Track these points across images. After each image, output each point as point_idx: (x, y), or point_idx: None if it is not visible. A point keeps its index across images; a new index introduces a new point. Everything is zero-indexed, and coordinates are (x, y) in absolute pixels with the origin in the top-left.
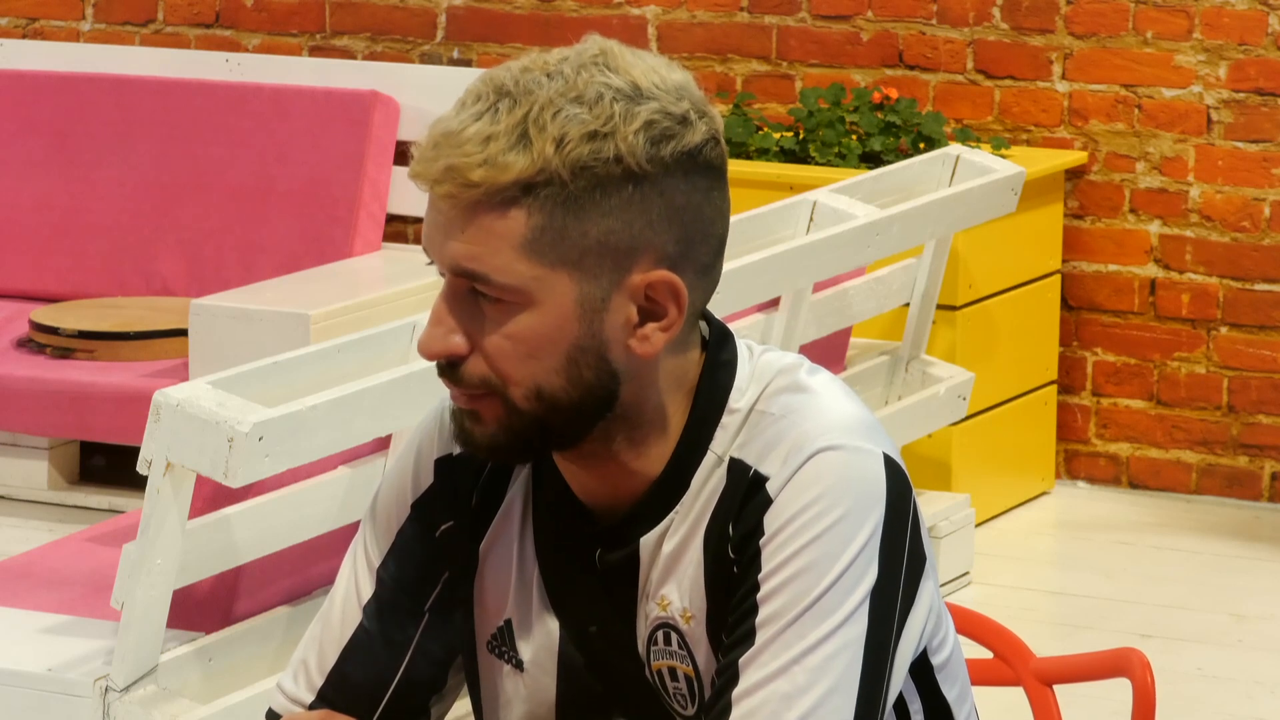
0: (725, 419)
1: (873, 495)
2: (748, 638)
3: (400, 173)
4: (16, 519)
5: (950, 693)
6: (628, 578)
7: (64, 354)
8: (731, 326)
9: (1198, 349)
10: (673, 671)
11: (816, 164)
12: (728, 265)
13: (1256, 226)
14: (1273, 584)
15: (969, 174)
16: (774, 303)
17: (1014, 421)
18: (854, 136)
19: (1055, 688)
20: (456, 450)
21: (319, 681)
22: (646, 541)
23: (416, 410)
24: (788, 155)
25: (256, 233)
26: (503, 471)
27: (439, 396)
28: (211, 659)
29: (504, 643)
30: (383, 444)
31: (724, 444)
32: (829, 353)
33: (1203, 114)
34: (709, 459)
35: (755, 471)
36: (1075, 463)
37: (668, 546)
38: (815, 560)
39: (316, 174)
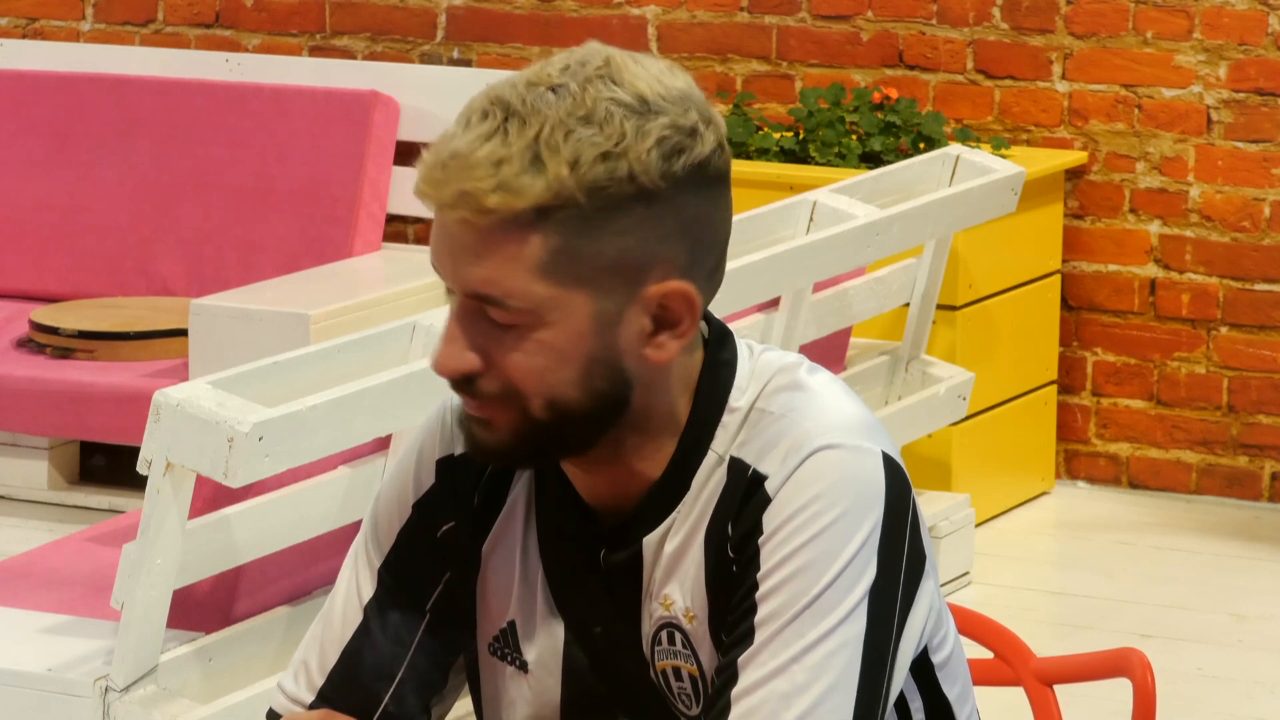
0: (726, 418)
1: (871, 494)
2: (747, 637)
3: (400, 173)
4: (16, 519)
5: (951, 692)
6: (631, 578)
7: (64, 354)
8: (731, 326)
9: (1198, 349)
10: (677, 671)
11: (816, 164)
12: (728, 265)
13: (1256, 226)
14: (1273, 584)
15: (969, 174)
16: (774, 303)
17: (1014, 421)
18: (854, 136)
19: (1055, 688)
20: (458, 451)
21: (319, 681)
22: (649, 541)
23: (416, 410)
24: (788, 155)
25: (256, 233)
26: (505, 472)
27: (441, 397)
28: (211, 659)
29: (507, 644)
30: (383, 444)
31: (725, 443)
32: (829, 353)
33: (1203, 114)
34: (710, 458)
35: (754, 470)
36: (1075, 463)
37: (670, 546)
38: (814, 559)
39: (316, 174)
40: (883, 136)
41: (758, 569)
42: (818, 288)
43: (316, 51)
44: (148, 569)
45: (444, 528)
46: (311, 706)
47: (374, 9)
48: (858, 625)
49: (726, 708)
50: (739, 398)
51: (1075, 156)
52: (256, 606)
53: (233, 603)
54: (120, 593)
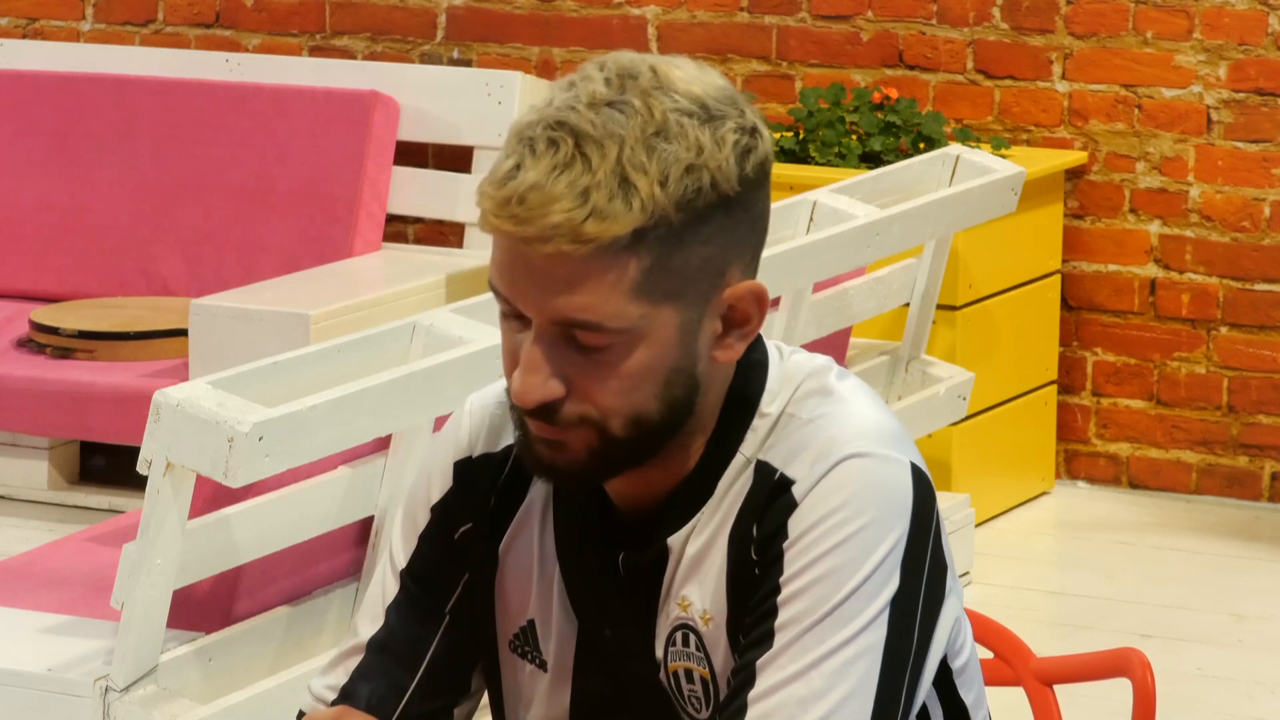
0: (756, 422)
1: (898, 505)
2: (766, 640)
3: (400, 173)
4: (16, 519)
5: (968, 697)
6: (652, 578)
7: (64, 354)
8: None
9: (1198, 349)
10: (689, 674)
11: (816, 164)
12: None
13: (1256, 226)
14: (1273, 584)
15: (969, 174)
16: (774, 303)
17: (1014, 421)
18: (854, 136)
19: (1055, 688)
20: (475, 453)
21: (343, 680)
22: (674, 541)
23: (416, 410)
24: (788, 155)
25: (256, 233)
26: (522, 472)
27: (452, 400)
28: (211, 659)
29: (527, 642)
30: (383, 444)
31: (753, 446)
32: (829, 353)
33: (1203, 114)
34: (738, 460)
35: (781, 474)
36: (1075, 463)
37: (692, 548)
38: (838, 566)
39: (316, 174)
40: (883, 136)
41: (780, 573)
42: (818, 288)
43: (316, 51)
44: (148, 569)
45: (462, 529)
46: (333, 704)
47: (374, 9)
48: (878, 634)
49: (742, 709)
50: (770, 402)
51: (1075, 156)
52: (256, 606)
53: (233, 603)
54: (120, 593)
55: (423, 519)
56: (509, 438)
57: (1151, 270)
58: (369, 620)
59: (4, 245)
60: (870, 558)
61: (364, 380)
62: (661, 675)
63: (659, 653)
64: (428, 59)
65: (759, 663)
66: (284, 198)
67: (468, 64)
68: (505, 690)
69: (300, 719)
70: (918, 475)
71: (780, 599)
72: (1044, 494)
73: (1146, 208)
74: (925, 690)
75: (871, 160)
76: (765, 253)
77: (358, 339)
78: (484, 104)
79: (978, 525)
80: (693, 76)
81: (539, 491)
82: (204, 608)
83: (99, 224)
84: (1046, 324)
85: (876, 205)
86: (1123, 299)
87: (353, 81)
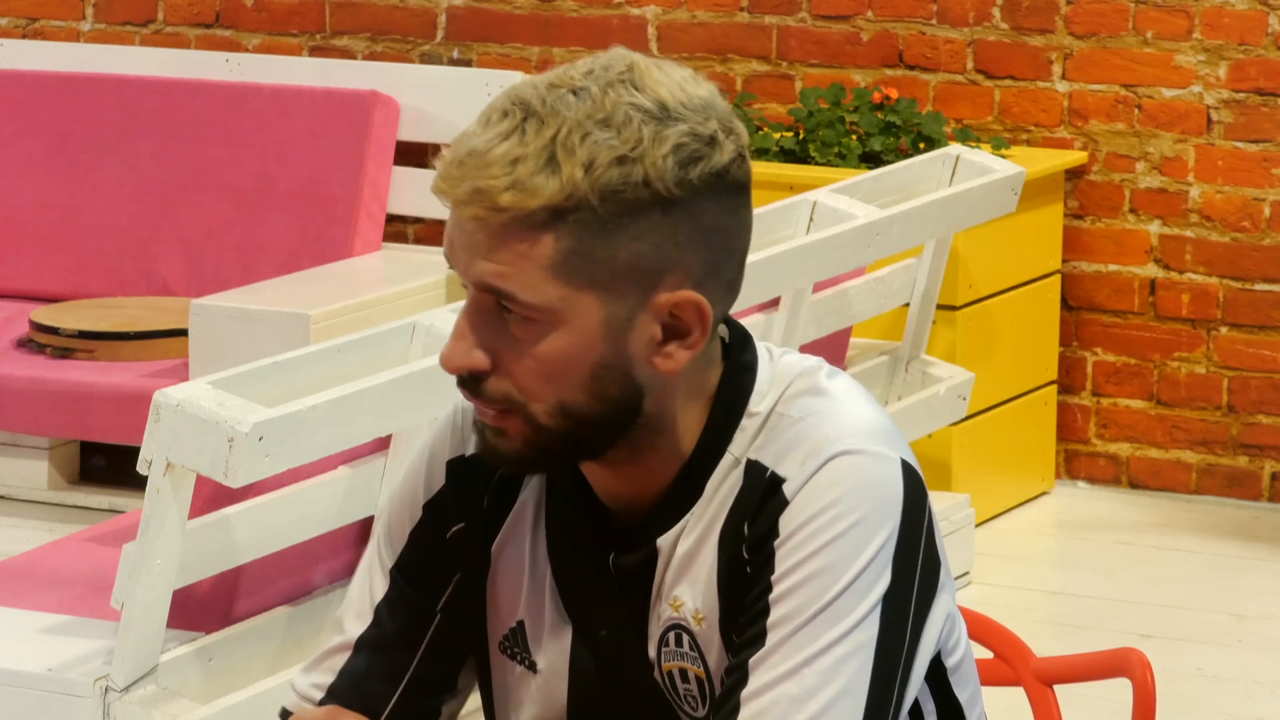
0: (745, 421)
1: (889, 501)
2: (759, 638)
3: (400, 173)
4: (16, 519)
5: (963, 695)
6: (643, 579)
7: (64, 354)
8: None
9: (1198, 349)
10: (684, 673)
11: (816, 164)
12: None
13: (1256, 226)
14: (1273, 584)
15: (969, 174)
16: (774, 303)
17: (1014, 421)
18: (854, 136)
19: (1055, 688)
20: (469, 452)
21: (330, 679)
22: (663, 542)
23: (416, 410)
24: (788, 155)
25: (256, 233)
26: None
27: (450, 399)
28: (211, 659)
29: (517, 644)
30: (383, 444)
31: (742, 446)
32: (829, 353)
33: (1203, 114)
34: (726, 460)
35: (772, 473)
36: (1075, 463)
37: (682, 547)
38: (830, 564)
39: (316, 174)
40: (883, 136)
41: (772, 571)
42: (818, 288)
43: (316, 51)
44: (148, 569)
45: (454, 529)
46: (320, 703)
47: (374, 9)
48: (870, 631)
49: (736, 708)
50: (759, 402)
51: (1075, 156)
52: (256, 606)
53: (233, 603)
54: (120, 593)
55: (415, 516)
56: None
57: (1151, 270)
58: (356, 618)
59: (4, 245)
60: (861, 555)
61: (364, 380)
62: (657, 675)
63: (653, 653)
64: (428, 59)
65: (752, 661)
66: (284, 198)
67: (468, 64)
68: (495, 691)
69: (286, 718)
70: (908, 471)
71: (772, 597)
72: (1044, 494)
73: (1146, 208)
74: (917, 686)
75: (871, 160)
76: (765, 253)
77: (358, 339)
78: (484, 104)
79: (978, 525)
80: (670, 80)
81: (531, 492)
82: (204, 608)
83: (99, 224)
84: (1046, 324)
85: (876, 205)
86: (1123, 299)
87: (353, 81)
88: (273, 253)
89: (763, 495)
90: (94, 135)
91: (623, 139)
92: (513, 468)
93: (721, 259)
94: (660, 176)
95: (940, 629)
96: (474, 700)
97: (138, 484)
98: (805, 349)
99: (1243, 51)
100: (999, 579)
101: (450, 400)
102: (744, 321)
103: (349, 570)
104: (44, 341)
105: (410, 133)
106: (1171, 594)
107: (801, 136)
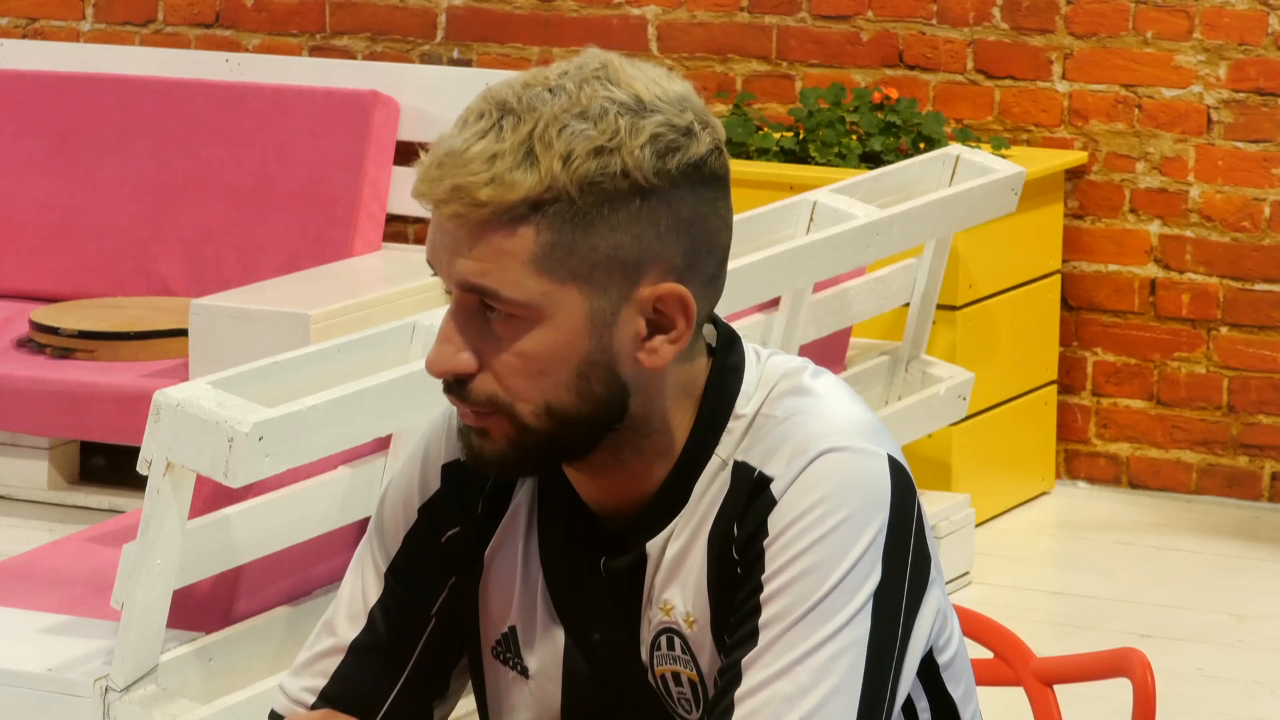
0: (731, 424)
1: (877, 497)
2: (750, 638)
3: (400, 173)
4: (16, 519)
5: (956, 691)
6: (633, 583)
7: (64, 354)
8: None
9: (1198, 349)
10: (676, 677)
11: (816, 164)
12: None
13: (1256, 226)
14: (1273, 584)
15: (969, 174)
16: (774, 303)
17: (1014, 421)
18: (854, 136)
19: (1055, 688)
20: (464, 455)
21: (322, 682)
22: (652, 546)
23: (416, 410)
24: (788, 155)
25: (256, 233)
26: (508, 479)
27: (446, 401)
28: (211, 659)
29: (509, 649)
30: (383, 444)
31: (729, 448)
32: (829, 353)
33: (1203, 114)
34: (713, 463)
35: (760, 473)
36: (1075, 463)
37: (671, 551)
38: (819, 561)
39: (316, 174)
40: (883, 136)
41: (762, 571)
42: (818, 288)
43: (316, 51)
44: (148, 569)
45: (449, 533)
46: (314, 707)
47: (374, 9)
48: (862, 628)
49: (730, 709)
50: (745, 404)
51: (1075, 156)
52: (256, 606)
53: (233, 603)
54: (120, 593)
55: (409, 519)
56: None
57: (1151, 270)
58: (349, 621)
59: (4, 245)
60: (851, 552)
61: (364, 380)
62: (650, 678)
63: (645, 657)
64: (428, 59)
65: (744, 661)
66: (284, 198)
67: (468, 64)
68: (489, 695)
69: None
70: (895, 467)
71: (763, 596)
72: (1044, 494)
73: (1146, 208)
74: (910, 682)
75: (871, 160)
76: (765, 253)
77: (358, 339)
78: None
79: (978, 525)
80: (646, 77)
81: (524, 497)
82: (204, 608)
83: (99, 224)
84: (1046, 324)
85: (876, 205)
86: (1123, 299)
87: (353, 81)
88: (273, 253)
89: (750, 495)
90: (94, 135)
91: (600, 130)
92: (496, 471)
93: (702, 252)
94: (638, 166)
95: (932, 624)
96: (467, 703)
97: (138, 484)
98: (805, 349)
99: (1243, 51)
100: (999, 579)
101: (446, 402)
102: (744, 322)
103: None
104: (44, 341)
105: (410, 133)
106: (1171, 594)
107: (801, 136)
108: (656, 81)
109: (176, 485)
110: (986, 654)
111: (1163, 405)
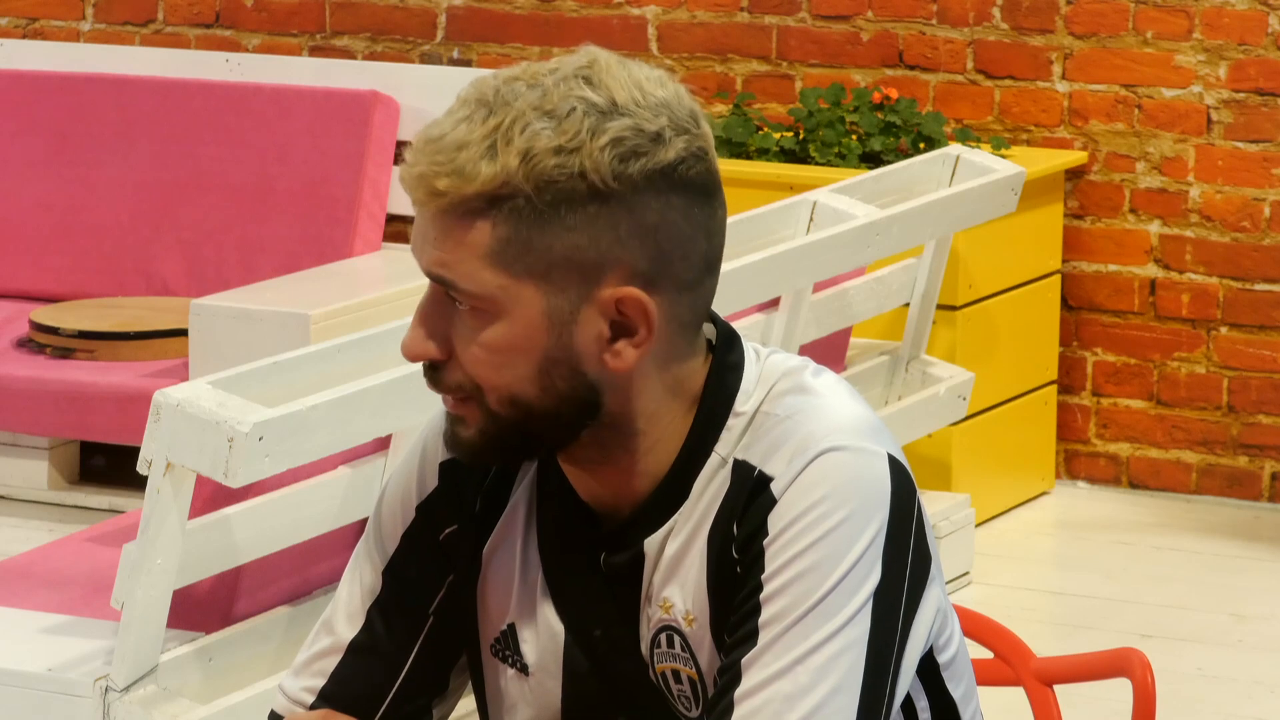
0: (730, 421)
1: (877, 496)
2: (750, 638)
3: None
4: (16, 519)
5: (956, 691)
6: (631, 581)
7: (64, 354)
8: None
9: (1198, 349)
10: (676, 674)
11: (816, 164)
12: (727, 265)
13: (1256, 226)
14: (1273, 584)
15: (969, 174)
16: (774, 303)
17: (1014, 421)
18: (854, 136)
19: (1055, 688)
20: None
21: (321, 682)
22: (650, 544)
23: (416, 410)
24: (788, 155)
25: (256, 233)
26: (507, 475)
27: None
28: (211, 659)
29: (508, 646)
30: (383, 444)
31: (728, 446)
32: (829, 353)
33: (1203, 114)
34: (713, 461)
35: (760, 472)
36: (1075, 463)
37: (670, 548)
38: (819, 561)
39: (316, 174)
40: (883, 136)
41: (762, 570)
42: (818, 288)
43: (316, 51)
44: (148, 569)
45: (446, 531)
46: (313, 707)
47: (374, 9)
48: (862, 627)
49: (729, 708)
50: (744, 402)
51: (1075, 156)
52: (256, 606)
53: (233, 603)
54: (120, 593)
55: (407, 518)
56: None
57: (1151, 270)
58: (347, 620)
59: (4, 245)
60: (851, 551)
61: (364, 380)
62: (651, 675)
63: (645, 653)
64: (428, 59)
65: (744, 660)
66: (284, 198)
67: (468, 64)
68: (488, 693)
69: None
70: (895, 466)
71: (763, 596)
72: (1044, 494)
73: (1146, 208)
74: (909, 681)
75: (871, 160)
76: (765, 253)
77: (357, 339)
78: None
79: (978, 525)
80: (630, 79)
81: (522, 495)
82: (204, 608)
83: (99, 224)
84: (1046, 324)
85: (876, 205)
86: (1123, 299)
87: (353, 81)
88: (273, 253)
89: (750, 494)
90: (94, 135)
91: (561, 130)
92: (469, 457)
93: (673, 259)
94: (596, 169)
95: (931, 623)
96: (467, 702)
97: (138, 484)
98: (805, 349)
99: (1243, 51)
100: (999, 579)
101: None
102: (744, 322)
103: None
104: (44, 341)
105: (410, 133)
106: (1171, 594)
107: (801, 136)
108: (640, 85)
109: (176, 485)
110: (986, 654)
111: (1163, 405)
